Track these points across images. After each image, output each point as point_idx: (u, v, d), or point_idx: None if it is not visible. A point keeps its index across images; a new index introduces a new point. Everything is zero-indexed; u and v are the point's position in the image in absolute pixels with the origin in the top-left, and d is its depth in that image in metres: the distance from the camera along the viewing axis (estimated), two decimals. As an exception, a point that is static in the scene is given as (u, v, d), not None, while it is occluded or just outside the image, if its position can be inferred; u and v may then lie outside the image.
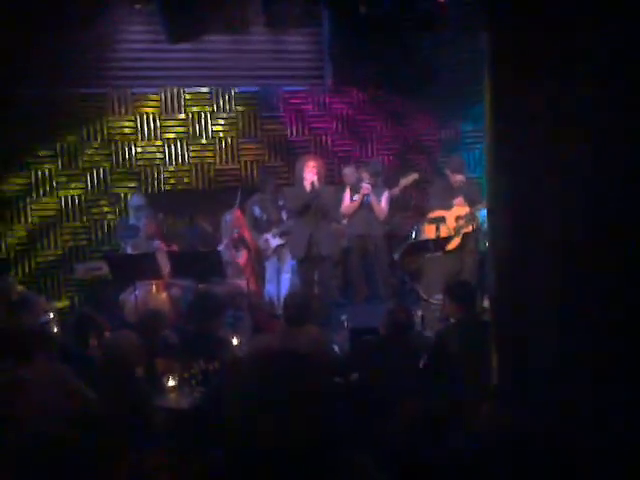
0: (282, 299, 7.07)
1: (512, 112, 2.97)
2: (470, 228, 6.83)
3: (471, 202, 6.82)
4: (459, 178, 6.91)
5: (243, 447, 2.76)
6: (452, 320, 4.59)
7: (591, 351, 2.71)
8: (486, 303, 4.60)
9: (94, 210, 7.72)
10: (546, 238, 2.79)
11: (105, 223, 7.74)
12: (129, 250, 6.72)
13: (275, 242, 7.20)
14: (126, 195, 7.69)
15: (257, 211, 7.30)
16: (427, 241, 6.68)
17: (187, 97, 8.00)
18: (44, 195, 7.56)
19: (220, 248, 6.75)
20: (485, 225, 7.45)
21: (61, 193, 7.61)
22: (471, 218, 6.82)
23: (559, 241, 2.75)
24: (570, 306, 2.76)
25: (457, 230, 6.81)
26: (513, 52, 2.96)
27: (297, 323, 4.57)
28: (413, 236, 6.92)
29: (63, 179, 7.61)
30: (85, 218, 7.69)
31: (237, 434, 2.81)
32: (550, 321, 2.82)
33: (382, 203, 7.14)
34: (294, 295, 5.23)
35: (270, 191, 7.37)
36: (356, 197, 7.10)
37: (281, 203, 7.26)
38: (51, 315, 5.30)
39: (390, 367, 4.05)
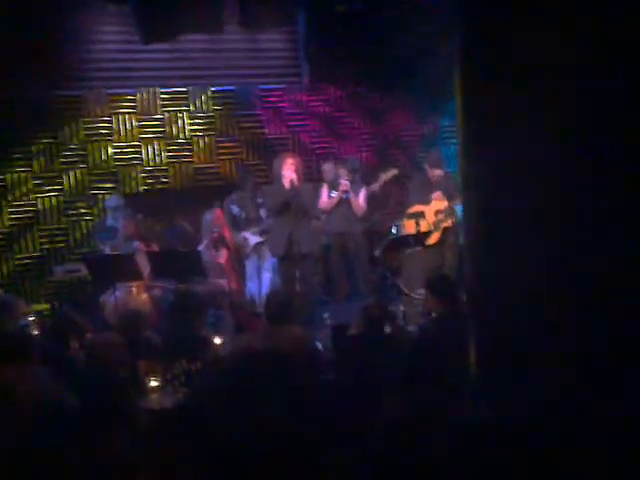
0: (263, 297, 7.12)
1: (483, 109, 2.99)
2: (449, 222, 6.88)
3: (450, 196, 6.86)
4: (437, 173, 6.96)
5: (227, 446, 2.76)
6: (434, 314, 4.62)
7: (575, 344, 2.74)
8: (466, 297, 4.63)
9: (71, 212, 7.67)
10: (520, 232, 2.82)
11: (83, 225, 7.69)
12: (108, 251, 6.68)
13: (254, 240, 7.19)
14: (104, 196, 7.64)
15: (235, 209, 7.29)
16: (407, 236, 6.72)
17: (163, 97, 7.97)
18: (21, 197, 7.49)
19: (200, 248, 6.73)
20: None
21: (38, 195, 7.55)
22: (450, 212, 6.86)
23: (533, 235, 2.78)
24: (549, 299, 2.79)
25: (436, 224, 6.85)
26: (484, 50, 2.98)
27: (279, 322, 4.56)
28: (394, 232, 6.95)
29: (39, 181, 7.55)
30: (63, 220, 7.63)
31: (221, 433, 2.81)
32: (528, 316, 2.84)
33: (360, 200, 7.16)
34: (275, 294, 5.23)
35: (249, 189, 7.36)
36: (334, 194, 7.12)
37: (260, 201, 7.26)
38: (31, 318, 5.25)
39: (368, 363, 4.06)
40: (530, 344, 2.83)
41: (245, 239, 7.19)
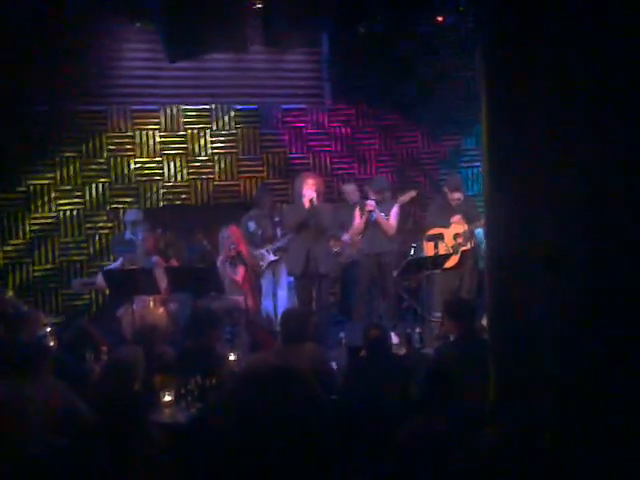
0: (279, 315, 7.11)
1: (509, 132, 2.99)
2: (468, 246, 6.84)
3: (469, 220, 6.82)
4: (457, 196, 6.93)
5: (240, 462, 2.75)
6: (451, 338, 4.59)
7: (592, 369, 2.71)
8: (485, 321, 4.60)
9: (91, 225, 7.73)
10: (544, 256, 2.80)
11: (102, 238, 7.74)
12: (125, 265, 6.70)
13: (269, 258, 7.20)
14: (124, 210, 7.71)
15: (252, 226, 7.30)
16: (426, 258, 6.67)
17: (187, 114, 8.04)
18: (42, 209, 7.57)
19: (218, 263, 6.75)
20: (483, 244, 7.48)
21: (59, 207, 7.62)
22: (469, 236, 6.83)
23: (558, 259, 2.76)
24: (570, 324, 2.76)
25: (455, 248, 6.80)
26: (509, 74, 2.98)
27: (295, 340, 4.55)
28: (412, 253, 6.90)
29: (61, 193, 7.63)
30: (82, 232, 7.70)
31: (234, 449, 2.80)
32: (549, 339, 2.81)
33: (391, 218, 6.95)
34: (292, 312, 5.22)
35: (267, 207, 7.39)
36: (363, 216, 6.90)
37: (277, 219, 7.27)
38: (47, 329, 5.28)
39: (373, 385, 4.05)
40: (548, 373, 2.80)
41: (261, 256, 7.20)
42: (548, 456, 2.51)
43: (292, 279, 7.03)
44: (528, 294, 2.86)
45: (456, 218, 6.83)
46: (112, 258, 7.38)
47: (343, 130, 8.52)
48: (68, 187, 7.66)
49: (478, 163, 8.32)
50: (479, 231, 6.71)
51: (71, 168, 7.67)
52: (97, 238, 7.75)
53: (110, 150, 7.81)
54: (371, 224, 6.90)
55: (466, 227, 6.82)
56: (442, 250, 6.74)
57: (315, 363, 4.30)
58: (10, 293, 6.00)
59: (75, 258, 7.68)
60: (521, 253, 2.88)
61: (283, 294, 7.30)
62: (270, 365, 3.85)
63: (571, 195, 2.72)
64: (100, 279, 6.50)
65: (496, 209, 3.05)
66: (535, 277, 2.84)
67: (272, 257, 7.23)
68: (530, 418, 2.82)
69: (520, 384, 2.91)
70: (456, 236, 6.82)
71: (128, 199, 7.83)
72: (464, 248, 6.80)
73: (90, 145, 7.73)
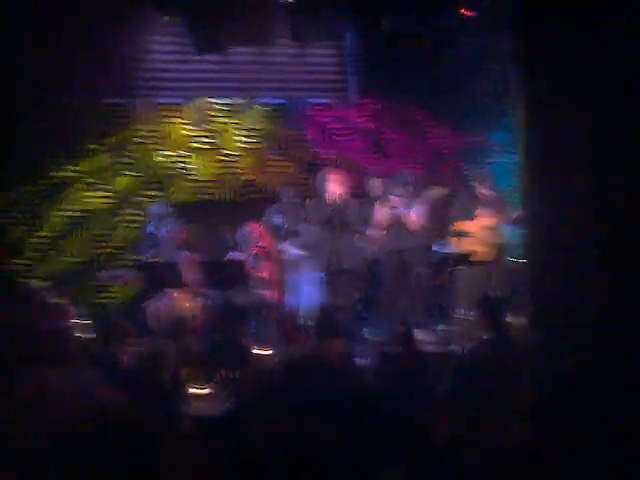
0: (303, 310, 7.12)
1: (545, 124, 2.95)
2: (496, 239, 6.76)
3: (497, 213, 6.75)
4: (485, 188, 6.86)
5: (270, 455, 2.75)
6: (481, 336, 4.54)
7: (631, 374, 2.67)
8: (514, 319, 4.56)
9: (118, 218, 7.78)
10: (585, 255, 2.76)
11: (129, 231, 7.78)
12: (149, 258, 6.73)
13: (293, 252, 7.21)
14: (150, 204, 7.73)
15: (278, 220, 7.32)
16: (452, 254, 6.63)
17: (213, 108, 8.04)
18: (68, 202, 7.62)
19: (242, 259, 6.76)
20: (511, 239, 7.42)
21: (86, 200, 7.67)
22: (497, 229, 6.74)
23: (599, 257, 2.72)
24: (609, 326, 2.72)
25: (483, 241, 6.73)
26: (546, 62, 2.94)
27: (328, 335, 4.55)
28: (439, 249, 6.85)
29: (87, 186, 7.67)
30: (109, 225, 7.74)
31: (266, 441, 2.80)
32: (592, 335, 2.78)
33: (414, 214, 6.93)
34: (327, 308, 5.23)
35: (293, 202, 7.38)
36: (387, 212, 6.87)
37: (302, 215, 7.26)
38: (76, 320, 5.31)
39: (398, 382, 4.05)
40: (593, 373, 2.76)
41: (285, 250, 7.21)
42: (589, 456, 2.48)
43: (316, 274, 7.03)
44: (570, 288, 2.82)
45: (483, 211, 6.77)
46: (136, 251, 7.42)
47: (368, 124, 8.48)
48: (94, 180, 7.70)
49: (504, 158, 8.26)
50: (506, 227, 6.65)
51: (97, 161, 7.70)
52: (123, 231, 7.79)
53: (136, 143, 7.82)
54: (395, 220, 6.84)
55: (493, 220, 6.74)
56: (469, 245, 6.68)
57: (345, 359, 4.32)
58: (39, 284, 6.04)
59: (102, 251, 7.72)
60: (561, 247, 2.84)
61: (307, 289, 7.29)
62: (304, 360, 3.87)
63: (612, 187, 2.68)
64: (128, 272, 6.54)
65: (533, 202, 3.02)
66: (580, 271, 2.80)
67: (295, 251, 7.24)
68: (572, 416, 2.78)
69: (562, 380, 2.87)
70: (484, 229, 6.75)
71: (154, 192, 7.85)
72: (492, 241, 6.73)
73: (116, 138, 7.75)
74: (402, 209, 6.73)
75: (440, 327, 5.93)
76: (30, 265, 7.47)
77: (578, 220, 2.76)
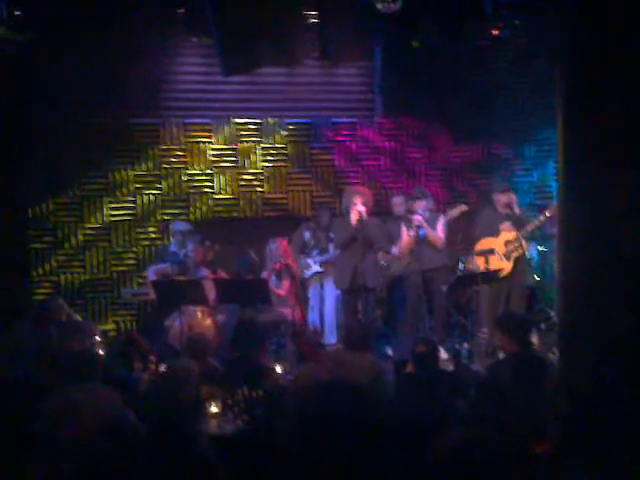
0: (325, 327, 7.11)
1: (583, 139, 2.91)
2: (520, 252, 6.66)
3: (518, 226, 6.66)
4: (506, 198, 6.76)
5: (290, 475, 2.71)
6: (503, 354, 4.47)
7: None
8: (536, 337, 4.49)
9: (142, 234, 7.84)
10: (622, 273, 2.68)
11: (153, 248, 7.83)
12: (172, 275, 6.75)
13: (315, 268, 7.22)
14: (173, 222, 7.78)
15: (307, 235, 7.36)
16: (476, 273, 6.55)
17: (239, 128, 8.09)
18: (93, 217, 7.70)
19: (263, 276, 6.77)
20: (534, 255, 7.33)
21: (110, 217, 7.75)
22: (519, 242, 6.65)
23: (633, 275, 2.64)
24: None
25: (507, 255, 6.63)
26: (584, 86, 2.90)
27: (357, 349, 4.58)
28: (461, 268, 6.78)
29: (112, 202, 7.76)
30: (132, 241, 7.81)
31: (285, 462, 2.77)
32: (630, 354, 2.68)
33: (438, 231, 6.81)
34: (357, 321, 5.22)
35: (324, 223, 7.41)
36: (411, 231, 6.70)
37: (331, 235, 7.26)
38: (98, 338, 5.35)
39: (421, 401, 4.00)
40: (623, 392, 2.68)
41: (307, 265, 7.24)
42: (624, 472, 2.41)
43: (339, 292, 7.01)
44: (607, 305, 2.74)
45: (505, 225, 6.69)
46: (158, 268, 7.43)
47: (392, 144, 8.47)
48: (119, 196, 7.79)
49: (529, 176, 8.21)
50: (530, 244, 6.55)
51: (123, 178, 7.79)
52: (146, 248, 7.85)
53: (162, 162, 7.91)
54: (419, 238, 6.76)
55: (515, 233, 6.65)
56: (493, 264, 6.59)
57: (375, 374, 4.31)
58: (62, 301, 6.09)
59: (124, 267, 7.79)
60: (599, 263, 2.77)
61: (330, 307, 7.29)
62: (323, 379, 3.84)
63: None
64: (150, 289, 6.57)
65: (572, 219, 2.95)
66: (615, 287, 2.72)
67: (318, 268, 7.25)
68: (604, 433, 2.70)
69: (594, 399, 2.78)
70: (507, 243, 6.66)
71: (177, 210, 7.91)
72: (515, 254, 6.64)
73: (143, 157, 7.85)
74: (425, 227, 6.67)
75: (463, 346, 5.85)
76: (53, 281, 7.56)
77: (614, 237, 2.69)
